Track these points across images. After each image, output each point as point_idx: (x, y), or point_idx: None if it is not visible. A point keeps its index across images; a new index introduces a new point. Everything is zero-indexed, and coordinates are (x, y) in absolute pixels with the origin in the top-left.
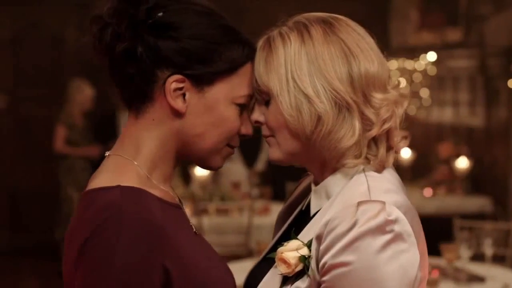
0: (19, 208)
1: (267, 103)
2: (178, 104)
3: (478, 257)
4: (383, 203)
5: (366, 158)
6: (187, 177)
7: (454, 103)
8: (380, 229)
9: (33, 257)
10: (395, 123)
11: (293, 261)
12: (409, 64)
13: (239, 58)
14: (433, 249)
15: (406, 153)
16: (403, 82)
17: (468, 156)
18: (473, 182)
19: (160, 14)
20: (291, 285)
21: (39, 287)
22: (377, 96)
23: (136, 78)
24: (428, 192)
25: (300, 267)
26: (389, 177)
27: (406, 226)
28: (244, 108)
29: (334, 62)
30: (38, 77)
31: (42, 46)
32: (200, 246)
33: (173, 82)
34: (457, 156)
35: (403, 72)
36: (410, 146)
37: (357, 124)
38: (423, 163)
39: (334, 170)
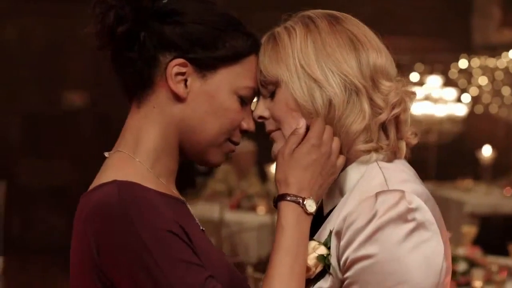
0: None
1: (272, 95)
2: (180, 89)
3: None
4: (402, 191)
5: (377, 144)
6: (263, 175)
7: None
8: (401, 218)
9: None
10: (404, 113)
11: (311, 262)
12: (491, 62)
13: (243, 48)
14: (504, 249)
15: (486, 152)
16: (484, 80)
17: None
18: None
19: (165, 1)
20: (313, 286)
21: None
22: (385, 83)
23: (137, 63)
24: (508, 191)
25: (320, 268)
26: (404, 168)
27: (428, 214)
28: (247, 102)
29: (342, 49)
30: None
31: None
32: (208, 241)
33: (175, 66)
34: None
35: (485, 70)
36: (491, 145)
37: (367, 108)
38: (504, 162)
39: (345, 164)
